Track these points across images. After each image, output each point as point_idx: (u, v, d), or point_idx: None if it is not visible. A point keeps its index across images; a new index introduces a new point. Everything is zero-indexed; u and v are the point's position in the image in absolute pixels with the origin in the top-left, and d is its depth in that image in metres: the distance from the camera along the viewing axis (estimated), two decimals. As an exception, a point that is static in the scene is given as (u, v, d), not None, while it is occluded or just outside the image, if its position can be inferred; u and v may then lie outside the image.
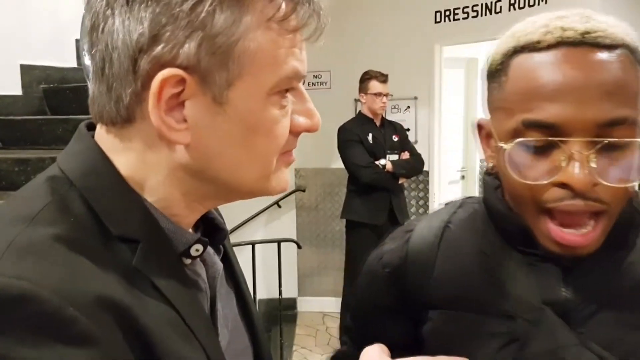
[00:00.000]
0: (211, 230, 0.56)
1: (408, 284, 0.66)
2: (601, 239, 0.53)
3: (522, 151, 0.52)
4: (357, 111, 3.17)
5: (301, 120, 0.49)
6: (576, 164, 0.49)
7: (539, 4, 3.08)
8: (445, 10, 3.52)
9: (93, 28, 0.44)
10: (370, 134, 3.02)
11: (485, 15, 3.36)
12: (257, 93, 0.45)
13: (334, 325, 3.34)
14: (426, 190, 3.73)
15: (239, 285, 0.60)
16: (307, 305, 3.91)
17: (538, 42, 0.52)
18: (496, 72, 0.57)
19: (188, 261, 0.49)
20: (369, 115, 3.06)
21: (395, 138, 3.13)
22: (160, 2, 0.41)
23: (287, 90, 0.47)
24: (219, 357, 0.48)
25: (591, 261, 0.57)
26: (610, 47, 0.50)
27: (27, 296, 0.36)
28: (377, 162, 2.95)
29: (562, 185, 0.50)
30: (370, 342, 0.64)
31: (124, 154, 0.47)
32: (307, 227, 3.89)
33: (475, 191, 4.56)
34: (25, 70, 2.90)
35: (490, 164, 0.61)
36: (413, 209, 3.77)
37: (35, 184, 0.48)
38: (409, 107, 3.70)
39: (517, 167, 0.53)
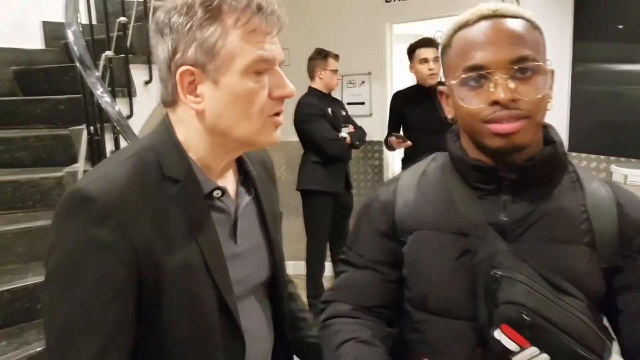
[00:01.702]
0: (246, 177, 0.85)
1: (395, 214, 0.86)
2: (529, 133, 0.73)
3: (465, 88, 0.75)
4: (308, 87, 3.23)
5: (278, 91, 0.74)
6: (500, 87, 0.71)
7: (479, -15, 3.38)
8: (394, -9, 3.77)
9: (155, 55, 0.75)
10: (329, 109, 3.17)
11: (431, -5, 3.62)
12: (234, 73, 0.70)
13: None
14: (381, 159, 3.98)
15: (263, 216, 0.88)
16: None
17: (467, 21, 0.77)
18: (445, 48, 0.80)
19: (217, 195, 0.77)
20: (324, 90, 3.19)
21: (343, 112, 3.30)
22: (175, 32, 0.70)
23: (265, 70, 0.71)
24: (215, 256, 0.74)
25: (523, 194, 0.77)
26: (513, 17, 0.74)
27: (92, 197, 0.65)
28: (340, 135, 3.11)
29: (493, 103, 0.72)
30: (366, 262, 0.88)
31: (178, 125, 0.76)
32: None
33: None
34: (-5, 52, 2.93)
35: (450, 116, 0.82)
36: (369, 176, 4.05)
37: (134, 144, 0.80)
38: (363, 82, 3.93)
39: (463, 99, 0.75)
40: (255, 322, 0.84)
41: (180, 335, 0.71)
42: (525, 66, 0.71)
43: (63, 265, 0.65)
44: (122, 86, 2.43)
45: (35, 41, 3.19)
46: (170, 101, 0.75)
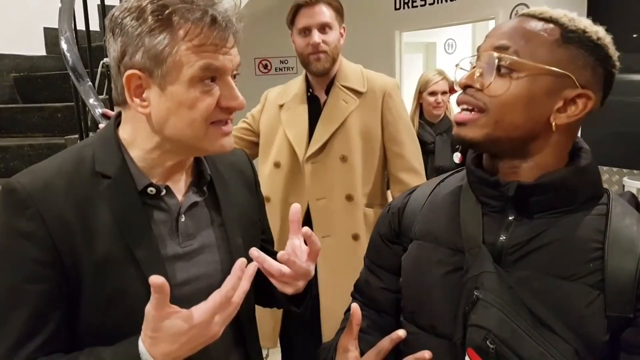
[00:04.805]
0: (200, 178, 0.85)
1: (402, 220, 0.86)
2: (480, 130, 0.71)
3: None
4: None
5: (228, 102, 0.74)
6: (467, 71, 0.72)
7: (489, -8, 3.31)
8: (404, -2, 3.71)
9: (107, 52, 0.75)
10: None
11: (441, 3, 3.56)
12: (181, 82, 0.70)
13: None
14: (389, 169, 3.95)
15: (221, 217, 0.85)
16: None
17: None
18: None
19: (151, 192, 0.77)
20: None
21: None
22: (125, 34, 0.70)
23: (213, 80, 0.71)
24: (146, 252, 0.74)
25: (531, 217, 0.71)
26: (543, 19, 0.71)
27: (14, 189, 0.70)
28: None
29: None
30: (369, 263, 0.92)
31: (127, 123, 0.78)
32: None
33: (436, 169, 4.80)
34: (-5, 59, 2.91)
35: None
36: (377, 187, 3.98)
37: (83, 140, 0.81)
38: (371, 90, 3.88)
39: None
40: None
41: (104, 326, 0.73)
42: (500, 56, 0.69)
43: None
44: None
45: (37, 47, 3.16)
46: (119, 100, 0.76)
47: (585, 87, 0.68)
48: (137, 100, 0.72)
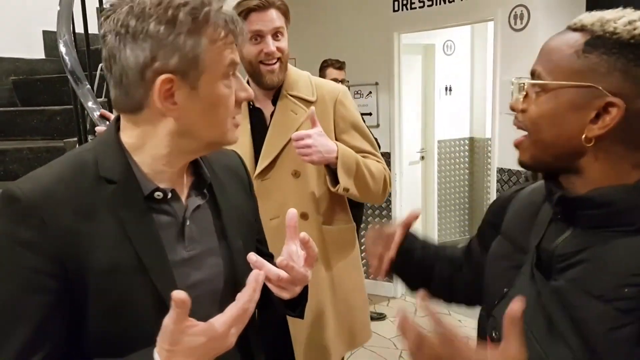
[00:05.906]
0: (199, 181, 0.85)
1: (506, 213, 0.90)
2: (527, 152, 0.74)
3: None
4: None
5: (241, 94, 0.77)
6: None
7: (488, -7, 3.31)
8: (402, 0, 3.71)
9: (110, 57, 0.72)
10: None
11: (440, 4, 3.56)
12: (213, 80, 0.73)
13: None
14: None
15: (221, 221, 0.86)
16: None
17: None
18: None
19: (158, 197, 0.77)
20: None
21: None
22: (153, 38, 0.69)
23: (232, 75, 0.75)
24: (154, 259, 0.74)
25: (586, 230, 0.70)
26: (574, 29, 0.70)
27: (16, 197, 0.68)
28: None
29: None
30: (480, 240, 0.98)
31: (130, 129, 0.77)
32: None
33: (435, 171, 4.80)
34: (-6, 62, 2.91)
35: None
36: (376, 189, 3.98)
37: (81, 146, 0.80)
38: (370, 92, 3.88)
39: None
40: None
41: (110, 335, 0.72)
42: (523, 84, 0.73)
43: None
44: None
45: (36, 50, 3.16)
46: (133, 106, 0.74)
47: (616, 93, 0.65)
48: (167, 104, 0.71)
